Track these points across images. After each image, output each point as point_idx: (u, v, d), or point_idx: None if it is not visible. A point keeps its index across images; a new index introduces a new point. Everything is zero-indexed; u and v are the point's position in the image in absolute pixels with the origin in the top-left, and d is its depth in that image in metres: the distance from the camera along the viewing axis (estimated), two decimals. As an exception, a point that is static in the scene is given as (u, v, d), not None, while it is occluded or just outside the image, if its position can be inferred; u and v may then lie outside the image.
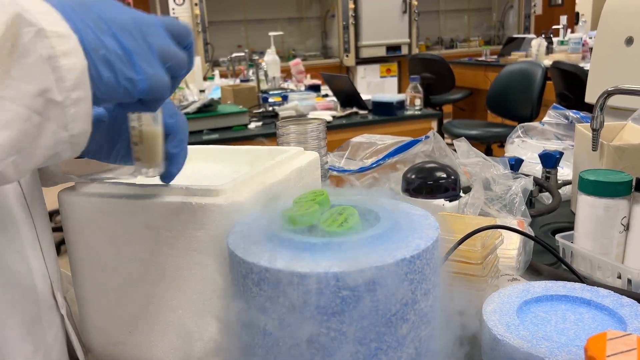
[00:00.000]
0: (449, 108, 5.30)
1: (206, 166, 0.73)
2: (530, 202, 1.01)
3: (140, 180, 0.60)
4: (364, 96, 2.78)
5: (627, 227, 0.73)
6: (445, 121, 4.15)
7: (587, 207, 0.74)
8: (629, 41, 1.27)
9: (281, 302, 0.39)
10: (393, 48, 5.50)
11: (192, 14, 4.99)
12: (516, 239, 0.72)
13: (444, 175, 0.88)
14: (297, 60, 3.82)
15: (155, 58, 0.43)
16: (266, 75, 3.32)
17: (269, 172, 0.60)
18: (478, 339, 0.53)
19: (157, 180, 0.56)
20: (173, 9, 4.92)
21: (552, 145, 1.29)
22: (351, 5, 5.34)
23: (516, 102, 3.50)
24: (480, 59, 5.14)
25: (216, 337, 0.50)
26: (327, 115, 2.55)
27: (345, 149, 1.19)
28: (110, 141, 0.58)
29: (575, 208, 0.77)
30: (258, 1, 5.77)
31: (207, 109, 2.40)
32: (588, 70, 1.43)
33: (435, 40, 6.51)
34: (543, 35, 4.62)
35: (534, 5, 6.23)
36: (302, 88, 3.45)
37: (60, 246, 0.82)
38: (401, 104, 2.64)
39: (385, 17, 5.42)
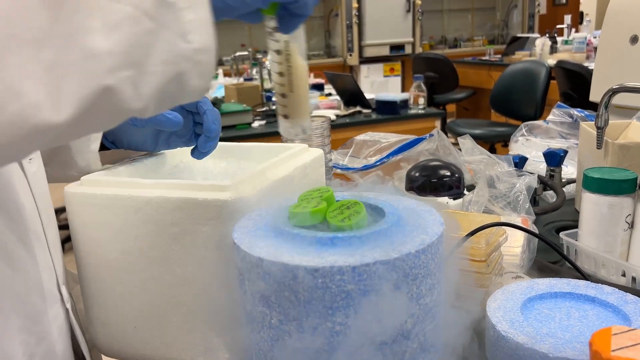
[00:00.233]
0: (453, 107, 5.29)
1: (211, 163, 0.73)
2: (534, 200, 1.01)
3: (145, 175, 0.61)
4: (368, 95, 2.78)
5: (631, 225, 0.73)
6: (448, 120, 4.14)
7: (591, 204, 0.74)
8: (634, 40, 1.27)
9: (286, 296, 0.40)
10: (397, 47, 5.48)
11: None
12: (520, 236, 0.72)
13: (448, 173, 0.88)
14: (301, 59, 3.81)
15: None
16: (270, 74, 3.31)
17: (274, 169, 0.61)
18: (482, 336, 0.53)
19: (163, 176, 0.56)
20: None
21: (557, 144, 1.29)
22: (355, 5, 5.33)
23: (520, 102, 3.48)
24: (484, 58, 5.12)
25: (221, 332, 0.51)
26: (331, 114, 2.55)
27: (349, 147, 1.19)
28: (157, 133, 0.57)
29: (580, 206, 0.77)
30: (261, 0, 5.76)
31: (211, 107, 2.40)
32: (592, 70, 1.43)
33: (439, 40, 6.50)
34: (547, 35, 4.60)
35: (538, 5, 6.21)
36: (306, 87, 3.44)
37: (64, 244, 0.82)
38: (405, 103, 2.63)
39: (389, 17, 5.40)
